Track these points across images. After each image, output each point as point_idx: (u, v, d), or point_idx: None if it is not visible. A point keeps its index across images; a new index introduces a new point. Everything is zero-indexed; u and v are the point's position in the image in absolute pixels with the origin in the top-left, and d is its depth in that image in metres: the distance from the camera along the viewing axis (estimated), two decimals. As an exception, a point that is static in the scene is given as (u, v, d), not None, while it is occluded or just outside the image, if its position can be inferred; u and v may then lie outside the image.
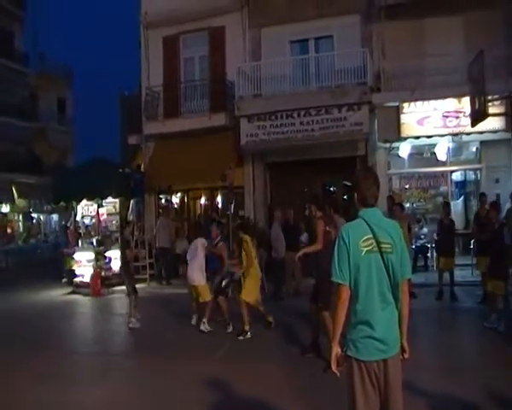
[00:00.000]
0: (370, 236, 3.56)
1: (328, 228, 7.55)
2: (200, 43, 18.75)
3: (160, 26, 18.94)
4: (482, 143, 15.58)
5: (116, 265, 16.39)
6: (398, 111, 15.64)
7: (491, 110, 10.36)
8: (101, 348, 9.42)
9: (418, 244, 15.20)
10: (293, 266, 12.71)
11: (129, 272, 11.09)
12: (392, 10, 15.59)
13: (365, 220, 3.63)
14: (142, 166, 19.54)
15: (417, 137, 15.54)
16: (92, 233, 17.51)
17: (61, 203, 18.45)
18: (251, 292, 9.22)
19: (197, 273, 9.87)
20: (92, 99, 71.26)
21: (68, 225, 19.57)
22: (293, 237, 12.96)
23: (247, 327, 9.01)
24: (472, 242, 13.47)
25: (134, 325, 10.36)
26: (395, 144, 16.02)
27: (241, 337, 8.92)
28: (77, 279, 15.91)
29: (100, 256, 15.88)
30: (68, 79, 41.80)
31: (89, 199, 17.17)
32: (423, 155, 16.47)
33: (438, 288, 11.92)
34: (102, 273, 15.67)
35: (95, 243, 16.61)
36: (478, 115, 9.89)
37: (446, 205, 12.81)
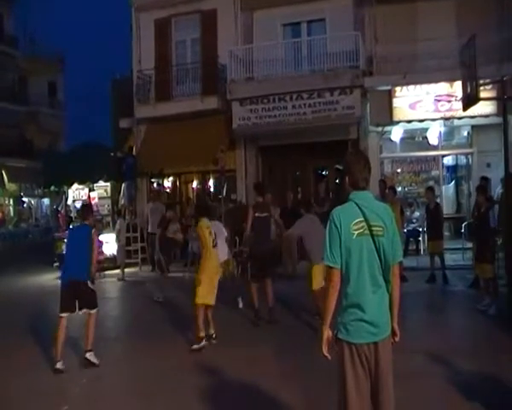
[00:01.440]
0: (361, 219, 3.55)
1: (257, 214, 9.05)
2: (192, 26, 18.60)
3: (151, 9, 18.77)
4: (474, 127, 15.63)
5: (108, 249, 16.41)
6: (390, 95, 15.63)
7: (483, 94, 10.36)
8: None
9: (410, 228, 15.26)
10: (290, 248, 12.88)
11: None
12: (384, -6, 15.51)
13: (356, 203, 3.61)
14: (134, 150, 19.45)
15: (409, 121, 15.56)
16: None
17: (52, 187, 18.37)
18: (204, 294, 7.64)
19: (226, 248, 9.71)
20: (84, 82, 70.65)
21: (59, 209, 19.48)
22: (291, 219, 13.01)
23: (202, 334, 7.60)
24: (463, 225, 13.57)
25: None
26: (387, 128, 16.03)
27: (195, 346, 7.53)
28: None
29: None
30: (59, 62, 41.44)
31: (80, 183, 17.12)
32: (415, 139, 16.50)
33: (429, 271, 12.01)
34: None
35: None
36: (469, 100, 9.88)
37: (429, 189, 12.86)
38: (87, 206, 9.56)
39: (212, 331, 7.88)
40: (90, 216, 7.84)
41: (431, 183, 16.10)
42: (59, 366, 6.89)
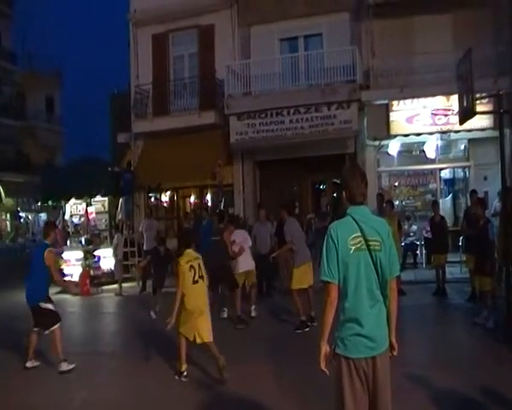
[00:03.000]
0: (359, 234, 3.56)
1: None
2: (190, 41, 18.70)
3: (149, 24, 18.86)
4: (470, 140, 15.69)
5: (105, 263, 16.35)
6: (387, 109, 15.70)
7: (479, 108, 10.36)
8: (89, 348, 9.32)
9: (407, 242, 15.25)
10: (286, 263, 12.94)
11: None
12: (381, 8, 15.61)
13: (354, 218, 3.63)
14: (132, 165, 19.46)
15: (406, 135, 15.61)
16: (81, 232, 17.43)
17: (50, 202, 18.33)
18: (187, 331, 6.85)
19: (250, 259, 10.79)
20: (82, 98, 70.90)
21: (57, 223, 19.45)
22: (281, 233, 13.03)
23: (183, 367, 6.99)
24: (461, 239, 13.55)
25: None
26: (384, 142, 16.08)
27: (177, 377, 6.96)
28: (65, 278, 15.80)
29: (89, 255, 15.81)
30: (57, 77, 41.57)
31: (77, 198, 17.09)
32: (412, 152, 16.54)
33: (434, 284, 12.04)
34: (91, 272, 15.60)
35: (83, 242, 16.53)
36: (466, 113, 9.90)
37: (435, 203, 12.92)
38: (49, 223, 9.30)
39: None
40: (52, 234, 7.93)
41: (428, 196, 16.13)
42: (29, 364, 7.51)
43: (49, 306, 7.46)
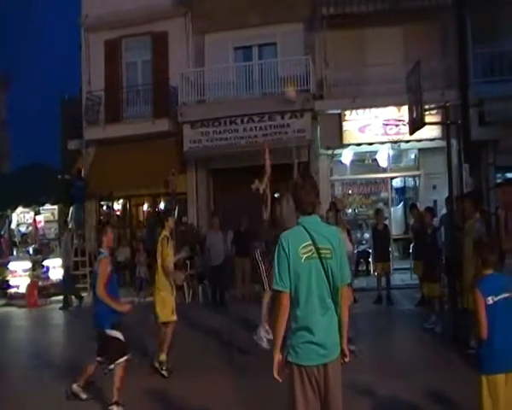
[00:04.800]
0: (310, 242, 3.62)
1: None
2: (143, 48, 18.48)
3: (101, 29, 18.52)
4: (420, 150, 16.07)
5: (54, 274, 15.91)
6: (340, 118, 15.89)
7: (428, 119, 10.59)
8: (37, 362, 8.98)
9: (360, 249, 15.44)
10: (242, 271, 12.92)
11: None
12: (334, 19, 15.84)
13: (304, 227, 3.68)
14: (83, 172, 19.02)
15: (359, 144, 15.84)
16: (29, 241, 16.91)
17: (-5, 211, 17.75)
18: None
19: None
20: (31, 102, 69.00)
21: (2, 233, 18.81)
22: (243, 243, 13.03)
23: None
24: (411, 246, 13.83)
25: None
26: (337, 151, 16.27)
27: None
28: (11, 290, 15.27)
29: (37, 265, 15.34)
30: (3, 81, 40.26)
31: (25, 206, 16.60)
32: (365, 161, 16.80)
33: (377, 292, 12.16)
34: (39, 283, 15.13)
35: (31, 252, 16.04)
36: (415, 124, 10.10)
37: (378, 211, 13.21)
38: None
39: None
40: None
41: (380, 204, 16.39)
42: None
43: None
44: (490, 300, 4.20)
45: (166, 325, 7.55)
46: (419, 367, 7.20)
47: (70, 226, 17.54)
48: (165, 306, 7.49)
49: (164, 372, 7.37)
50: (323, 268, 3.60)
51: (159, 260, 7.63)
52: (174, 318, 7.55)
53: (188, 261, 14.28)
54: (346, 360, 3.74)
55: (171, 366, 7.53)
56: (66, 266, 14.54)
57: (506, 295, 4.24)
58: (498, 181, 13.55)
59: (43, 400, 6.81)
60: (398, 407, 5.85)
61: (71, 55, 25.09)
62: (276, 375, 3.64)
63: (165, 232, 7.82)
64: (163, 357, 7.47)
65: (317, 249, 3.60)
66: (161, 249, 7.60)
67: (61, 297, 15.06)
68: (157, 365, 7.47)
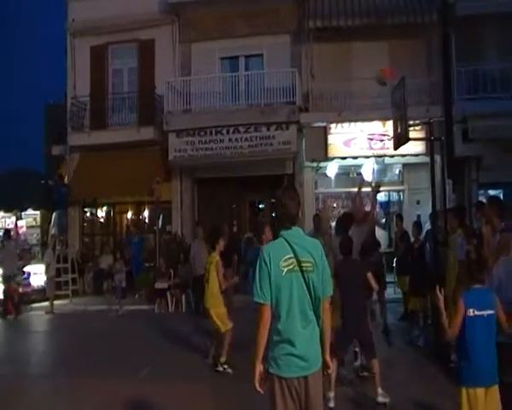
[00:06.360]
0: (291, 255, 3.63)
1: None
2: (129, 55, 18.43)
3: (87, 35, 18.47)
4: (405, 165, 16.22)
5: (36, 280, 15.71)
6: (325, 131, 15.98)
7: (413, 135, 10.70)
8: (15, 369, 8.78)
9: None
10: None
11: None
12: (320, 32, 15.98)
13: (286, 240, 3.69)
14: (66, 178, 18.86)
15: (344, 158, 15.93)
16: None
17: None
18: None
19: None
20: (15, 106, 68.49)
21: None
22: (225, 253, 12.94)
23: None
24: (395, 260, 13.87)
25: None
26: (322, 164, 16.34)
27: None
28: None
29: (18, 272, 15.11)
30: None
31: (6, 211, 16.41)
32: (349, 175, 16.85)
33: None
34: (20, 290, 14.90)
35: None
36: (400, 139, 10.18)
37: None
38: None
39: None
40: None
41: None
42: None
43: None
44: (471, 312, 4.24)
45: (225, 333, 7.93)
46: (401, 380, 7.22)
47: (53, 232, 17.40)
48: (222, 319, 7.91)
49: (229, 370, 7.80)
50: (305, 281, 3.61)
51: (212, 284, 7.99)
52: (230, 325, 7.97)
53: (171, 270, 14.22)
54: (330, 371, 3.80)
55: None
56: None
57: (490, 312, 4.28)
58: (480, 199, 13.69)
59: None
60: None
61: (57, 59, 24.99)
62: (257, 386, 3.66)
63: (216, 255, 8.14)
64: (223, 358, 7.88)
65: (299, 262, 3.61)
66: (217, 273, 7.97)
67: (43, 304, 14.89)
68: (220, 368, 7.86)
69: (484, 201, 9.99)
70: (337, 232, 8.58)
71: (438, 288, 4.56)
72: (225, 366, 7.87)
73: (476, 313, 4.24)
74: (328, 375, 3.86)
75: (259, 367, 3.67)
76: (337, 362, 6.28)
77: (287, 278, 3.59)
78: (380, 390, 6.28)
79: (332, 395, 6.15)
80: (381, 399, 6.26)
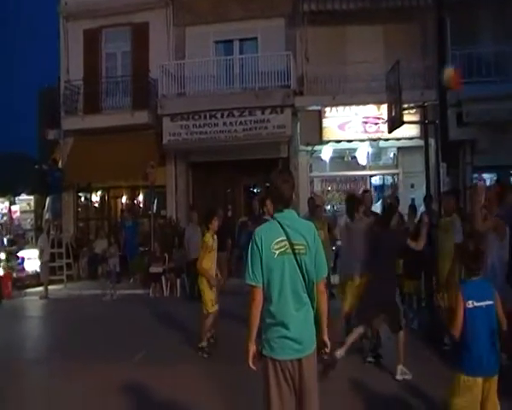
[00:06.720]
0: (283, 238, 3.64)
1: None
2: (123, 39, 18.25)
3: (80, 18, 18.27)
4: (399, 149, 16.20)
5: (30, 265, 15.71)
6: (320, 115, 15.93)
7: (407, 118, 10.70)
8: (9, 354, 8.80)
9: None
10: (219, 265, 12.88)
11: None
12: (315, 16, 15.90)
13: (279, 222, 3.71)
14: (60, 163, 18.78)
15: (338, 141, 15.91)
16: (3, 232, 16.66)
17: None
18: None
19: None
20: (8, 90, 67.97)
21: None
22: (220, 237, 12.97)
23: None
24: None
25: None
26: (317, 147, 16.32)
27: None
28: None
29: (11, 256, 15.11)
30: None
31: (0, 196, 16.34)
32: (344, 158, 16.85)
33: None
34: (14, 275, 14.92)
35: (6, 243, 15.81)
36: (394, 123, 10.22)
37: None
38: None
39: None
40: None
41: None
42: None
43: None
44: (470, 303, 4.23)
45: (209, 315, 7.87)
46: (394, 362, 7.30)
47: (47, 217, 17.37)
48: (205, 299, 7.88)
49: (205, 355, 7.75)
50: (298, 264, 3.63)
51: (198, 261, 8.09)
52: (216, 308, 7.92)
53: (166, 254, 14.25)
54: (327, 350, 3.82)
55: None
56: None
57: (489, 302, 4.29)
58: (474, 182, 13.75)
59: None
60: (375, 401, 5.92)
61: (50, 43, 24.73)
62: (251, 364, 3.70)
63: (209, 235, 8.14)
64: (204, 343, 7.88)
65: (291, 245, 3.63)
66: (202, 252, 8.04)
67: (37, 289, 14.91)
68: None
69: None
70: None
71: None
72: (200, 352, 7.82)
73: (475, 304, 4.24)
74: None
75: (252, 348, 3.71)
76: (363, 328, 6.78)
77: (278, 261, 3.61)
78: (400, 367, 6.40)
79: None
80: (399, 376, 6.35)
